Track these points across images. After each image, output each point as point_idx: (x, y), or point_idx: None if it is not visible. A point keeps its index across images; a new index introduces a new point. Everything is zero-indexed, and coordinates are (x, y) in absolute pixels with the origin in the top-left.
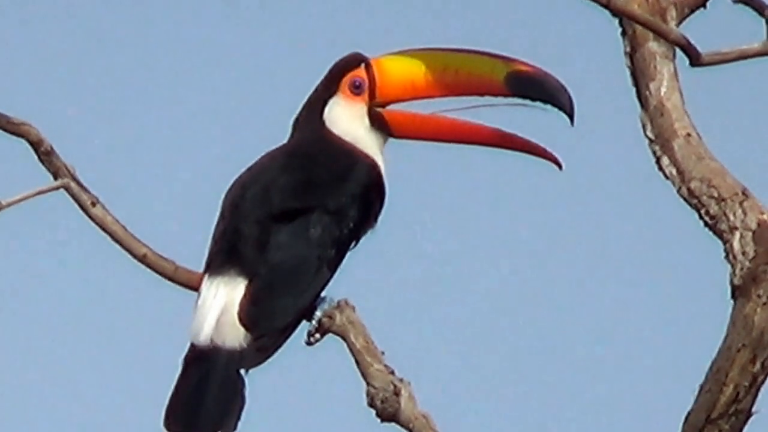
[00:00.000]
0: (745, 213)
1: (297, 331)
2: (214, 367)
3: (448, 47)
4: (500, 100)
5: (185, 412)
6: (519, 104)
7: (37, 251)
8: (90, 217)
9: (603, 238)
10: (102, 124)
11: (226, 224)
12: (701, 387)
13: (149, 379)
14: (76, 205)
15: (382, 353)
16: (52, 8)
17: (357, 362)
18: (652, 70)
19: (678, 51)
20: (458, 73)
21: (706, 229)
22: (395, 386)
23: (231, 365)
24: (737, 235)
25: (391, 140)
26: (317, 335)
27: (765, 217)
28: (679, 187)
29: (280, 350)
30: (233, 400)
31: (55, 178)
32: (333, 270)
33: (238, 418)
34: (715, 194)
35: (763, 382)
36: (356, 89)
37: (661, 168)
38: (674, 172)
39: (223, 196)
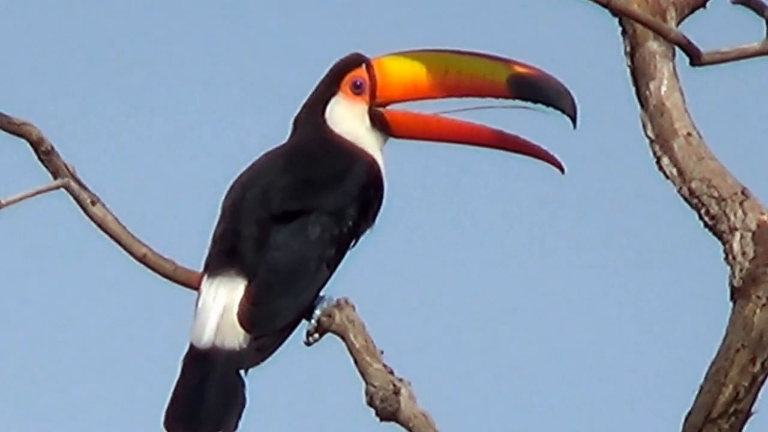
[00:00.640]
0: (745, 213)
1: (297, 330)
2: (213, 367)
3: (449, 49)
4: (502, 102)
5: (185, 412)
6: (521, 107)
7: (37, 250)
8: (90, 216)
9: (603, 238)
10: (102, 124)
11: (225, 225)
12: (701, 387)
13: (149, 378)
14: (76, 205)
15: (382, 352)
16: (52, 8)
17: (356, 361)
18: (652, 69)
19: (678, 51)
20: (460, 74)
21: (706, 230)
22: (395, 385)
23: (231, 365)
24: (737, 235)
25: (392, 140)
26: (316, 335)
27: (765, 218)
28: (680, 187)
29: (279, 350)
30: (233, 400)
31: (55, 178)
32: (332, 269)
33: (239, 418)
34: (716, 194)
35: (762, 382)
36: (357, 89)
37: (661, 168)
38: (674, 171)
39: (223, 196)
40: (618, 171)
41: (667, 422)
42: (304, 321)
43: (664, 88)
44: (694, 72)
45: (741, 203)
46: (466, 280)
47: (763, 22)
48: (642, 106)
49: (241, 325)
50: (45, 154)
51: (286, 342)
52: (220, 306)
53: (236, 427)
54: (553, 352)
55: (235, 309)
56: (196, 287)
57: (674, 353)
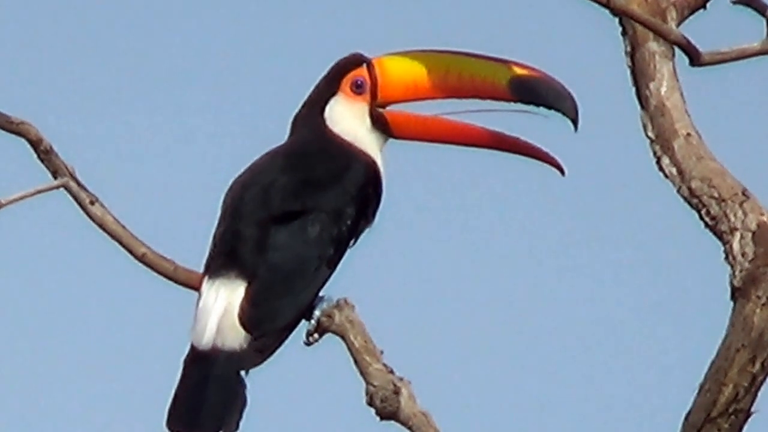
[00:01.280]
0: (745, 214)
1: (297, 330)
2: (214, 368)
3: (450, 49)
4: (503, 104)
5: (187, 413)
6: (522, 110)
7: (37, 250)
8: (89, 216)
9: (603, 238)
10: (102, 124)
11: (225, 226)
12: (701, 386)
13: (150, 378)
14: (75, 204)
15: (381, 352)
16: (52, 8)
17: (356, 361)
18: (652, 69)
19: (678, 51)
20: (461, 75)
21: (707, 230)
22: (395, 385)
23: (231, 366)
24: (737, 236)
25: (392, 141)
26: (316, 335)
27: (765, 218)
28: (680, 187)
29: (279, 350)
30: (234, 400)
31: (55, 177)
32: (332, 268)
33: (240, 419)
34: (716, 194)
35: (762, 382)
36: (358, 89)
37: (661, 168)
38: (674, 171)
39: (222, 196)
40: (618, 171)
41: (667, 422)
42: (303, 321)
43: (664, 89)
44: (695, 72)
45: (741, 204)
46: (465, 281)
47: (764, 21)
48: (642, 106)
49: (242, 325)
50: (44, 154)
51: (286, 342)
52: (220, 307)
53: (237, 427)
54: (553, 351)
55: (236, 310)
56: (196, 287)
57: (674, 353)
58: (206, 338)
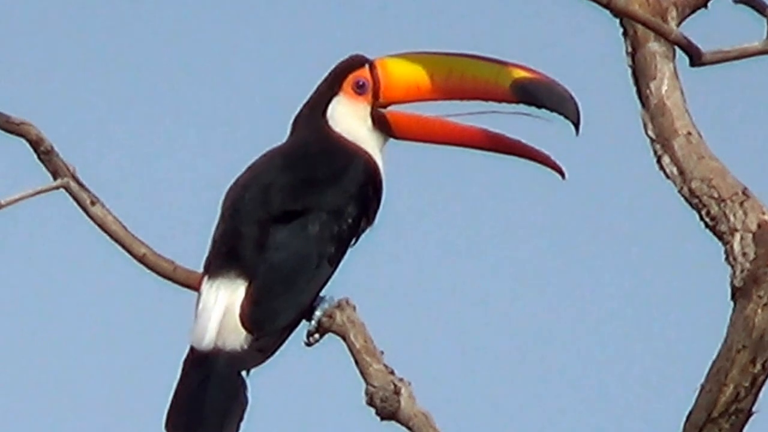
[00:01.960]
0: (745, 214)
1: (298, 330)
2: (215, 368)
3: (452, 51)
4: (504, 106)
5: (187, 413)
6: (523, 113)
7: (37, 250)
8: (89, 216)
9: (603, 238)
10: (102, 124)
11: (225, 225)
12: (702, 386)
13: (149, 379)
14: (75, 205)
15: (382, 353)
16: (51, 8)
17: (356, 362)
18: (653, 69)
19: (678, 51)
20: (463, 77)
21: (707, 230)
22: (395, 385)
23: (232, 366)
24: (737, 236)
25: (394, 142)
26: (316, 335)
27: (766, 218)
28: (680, 187)
29: (280, 351)
30: (235, 401)
31: (55, 178)
32: (333, 268)
33: (241, 419)
34: (716, 195)
35: (763, 382)
36: (360, 89)
37: (662, 167)
38: (675, 171)
39: (222, 196)
40: (618, 171)
41: (667, 422)
42: (304, 321)
43: (664, 88)
44: (695, 72)
45: (741, 203)
46: (466, 281)
47: (764, 21)
48: (643, 105)
49: (243, 325)
50: (44, 154)
51: (287, 343)
52: (221, 307)
53: (238, 427)
54: (553, 351)
55: (236, 310)
56: (196, 287)
57: (675, 353)
58: (207, 338)
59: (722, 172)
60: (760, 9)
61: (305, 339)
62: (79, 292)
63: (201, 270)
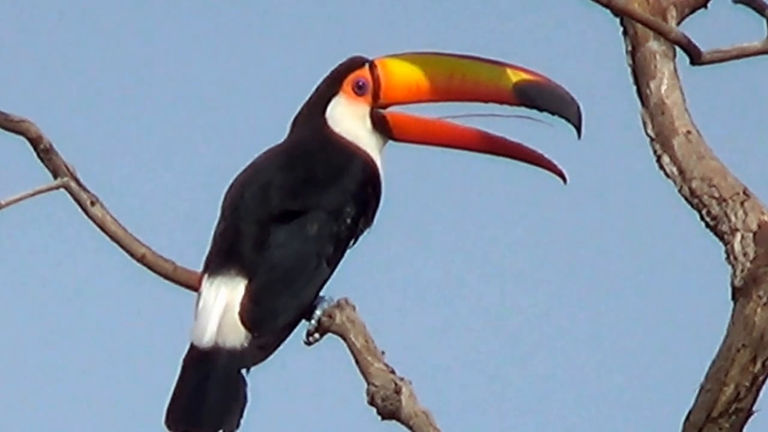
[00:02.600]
0: (746, 214)
1: (298, 330)
2: (215, 366)
3: (453, 52)
4: (505, 108)
5: (187, 411)
6: (525, 115)
7: (36, 250)
8: (89, 216)
9: (603, 238)
10: (102, 124)
11: (225, 224)
12: (702, 386)
13: (149, 378)
14: (75, 205)
15: (383, 353)
16: (51, 7)
17: (357, 361)
18: (653, 68)
19: (678, 50)
20: (464, 78)
21: (707, 230)
22: (396, 384)
23: (232, 365)
24: (738, 236)
25: (394, 143)
26: (316, 335)
27: (766, 218)
28: (681, 187)
29: (280, 349)
30: (234, 399)
31: (55, 177)
32: (333, 267)
33: (240, 417)
34: (716, 194)
35: (763, 381)
36: (360, 89)
37: (661, 167)
38: (675, 170)
39: (222, 195)
40: (618, 170)
41: (667, 421)
42: (304, 321)
43: (664, 87)
44: (695, 71)
45: (742, 203)
46: (466, 281)
47: (764, 21)
48: (642, 104)
49: (243, 324)
50: (44, 152)
51: (287, 342)
52: (220, 305)
53: (238, 426)
54: (553, 351)
55: (236, 308)
56: (196, 287)
57: (675, 352)
58: (206, 336)
59: (722, 172)
60: (759, 9)
61: (305, 339)
62: (78, 292)
63: (201, 270)
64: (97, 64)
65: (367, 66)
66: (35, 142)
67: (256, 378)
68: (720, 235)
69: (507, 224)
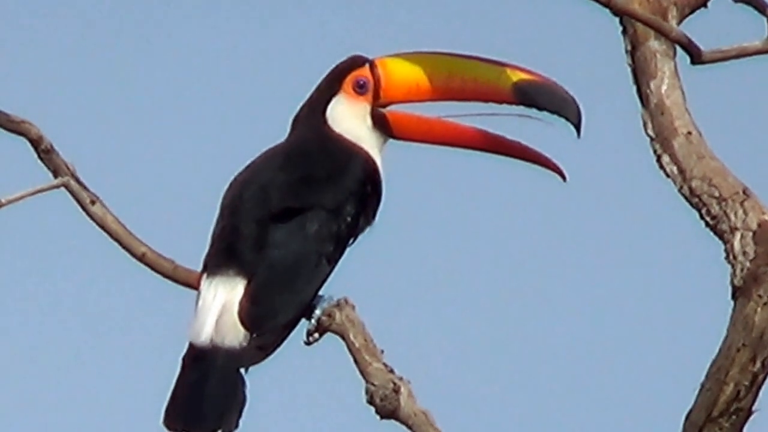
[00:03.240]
0: (746, 213)
1: (297, 329)
2: (214, 365)
3: (453, 52)
4: (505, 108)
5: (186, 410)
6: (524, 114)
7: (37, 249)
8: (89, 215)
9: (603, 237)
10: (102, 123)
11: (224, 223)
12: (702, 385)
13: (148, 377)
14: (75, 204)
15: (382, 352)
16: (51, 7)
17: (356, 360)
18: (653, 68)
19: (679, 50)
20: (464, 78)
21: (707, 230)
22: (395, 384)
23: (231, 364)
24: (738, 235)
25: (395, 142)
26: (316, 334)
27: (766, 217)
28: (680, 186)
29: (280, 349)
30: (233, 398)
31: (55, 176)
32: (332, 266)
33: (239, 417)
34: (716, 194)
35: (763, 381)
36: (360, 89)
37: (662, 166)
38: (675, 170)
39: (221, 195)
40: (618, 169)
41: (667, 421)
42: (304, 320)
43: (664, 87)
44: (695, 71)
45: (742, 203)
46: (466, 281)
47: (764, 20)
48: (643, 104)
49: (242, 323)
50: (45, 153)
51: (287, 341)
52: (219, 305)
53: (237, 425)
54: (553, 351)
55: (235, 307)
56: (196, 286)
57: (675, 352)
58: (205, 336)
59: (722, 172)
60: (760, 8)
61: (305, 338)
62: (78, 291)
63: (200, 269)
64: (97, 64)
65: (367, 65)
66: (36, 142)
67: (255, 378)
68: (720, 235)
69: (507, 223)
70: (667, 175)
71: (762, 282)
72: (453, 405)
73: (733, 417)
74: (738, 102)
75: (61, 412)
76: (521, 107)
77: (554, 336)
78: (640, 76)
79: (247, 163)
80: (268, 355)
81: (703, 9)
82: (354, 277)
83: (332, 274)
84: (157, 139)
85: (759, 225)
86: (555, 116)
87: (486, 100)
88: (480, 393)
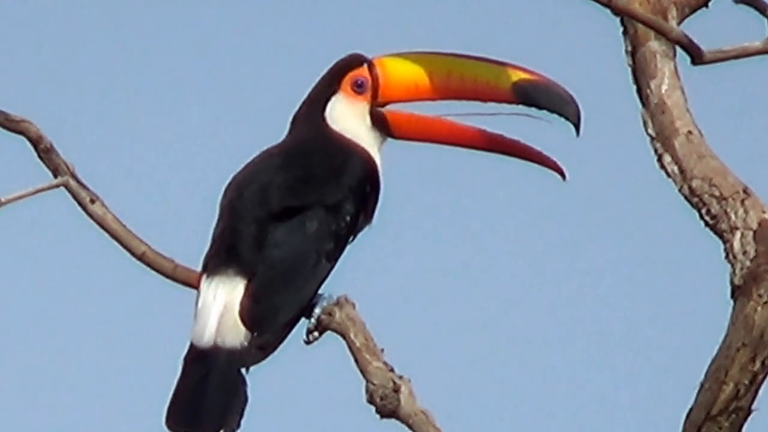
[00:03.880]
0: (746, 212)
1: (297, 328)
2: (215, 366)
3: (452, 51)
4: (505, 107)
5: (187, 411)
6: (524, 114)
7: (37, 249)
8: (89, 214)
9: (603, 237)
10: (102, 123)
11: (224, 223)
12: (702, 385)
13: (149, 377)
14: (75, 203)
15: (382, 350)
16: (51, 7)
17: (356, 360)
18: (653, 68)
19: (679, 50)
20: (463, 77)
21: (707, 229)
22: (395, 383)
23: (232, 364)
24: (738, 234)
25: (394, 142)
26: (316, 333)
27: (766, 216)
28: (681, 186)
29: (280, 348)
30: (234, 398)
31: (55, 176)
32: (332, 264)
33: (241, 417)
34: (717, 193)
35: (763, 380)
36: (359, 88)
37: (662, 166)
38: (675, 170)
39: (221, 195)
40: (618, 169)
41: (667, 420)
42: (304, 319)
43: (665, 87)
44: (696, 71)
45: (742, 202)
46: (466, 280)
47: (765, 21)
48: (643, 104)
49: (243, 322)
50: (44, 152)
51: (287, 340)
52: (220, 304)
53: (238, 425)
54: (553, 350)
55: (236, 307)
56: (196, 286)
57: (675, 351)
58: (206, 336)
59: (723, 171)
60: (760, 9)
61: (305, 337)
62: (78, 290)
63: (200, 269)
64: (97, 63)
65: (365, 65)
66: (36, 142)
67: (256, 377)
68: (720, 234)
69: (507, 222)
70: (668, 175)
71: (762, 281)
72: (453, 405)
73: (733, 416)
74: (738, 102)
75: (61, 412)
76: (521, 106)
77: (554, 335)
78: (641, 76)
79: (246, 162)
80: (268, 354)
81: (703, 9)
82: (354, 276)
83: (332, 273)
84: (157, 138)
85: (759, 224)
86: (554, 115)
87: (485, 100)
88: (480, 393)
